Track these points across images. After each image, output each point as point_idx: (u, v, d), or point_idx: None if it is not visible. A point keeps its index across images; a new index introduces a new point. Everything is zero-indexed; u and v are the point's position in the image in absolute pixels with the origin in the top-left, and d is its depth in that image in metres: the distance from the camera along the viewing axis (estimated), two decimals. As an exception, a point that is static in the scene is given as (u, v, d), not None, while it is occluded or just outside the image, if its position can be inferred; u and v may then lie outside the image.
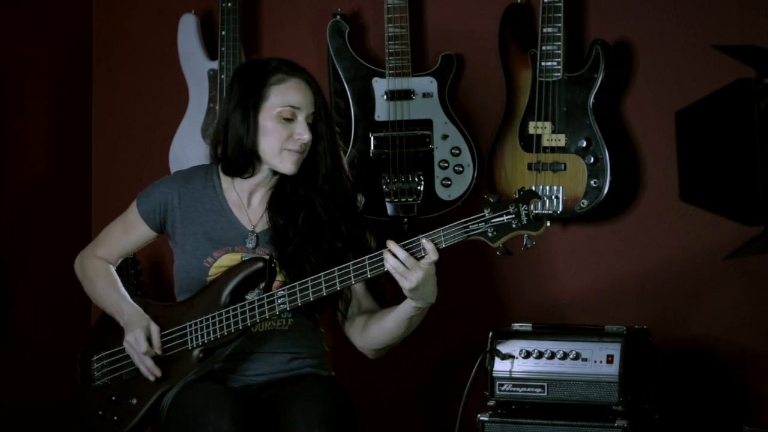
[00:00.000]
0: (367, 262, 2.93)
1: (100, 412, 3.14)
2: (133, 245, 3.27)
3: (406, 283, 2.89)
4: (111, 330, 3.18)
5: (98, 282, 3.23)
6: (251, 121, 3.09)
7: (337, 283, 2.95)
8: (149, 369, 3.05)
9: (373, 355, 3.17)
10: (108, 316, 3.22)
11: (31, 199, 4.00)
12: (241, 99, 3.11)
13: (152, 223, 3.20)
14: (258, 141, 3.09)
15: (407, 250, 2.89)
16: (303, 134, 3.08)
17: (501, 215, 2.85)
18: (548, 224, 2.87)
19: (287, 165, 3.09)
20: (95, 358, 3.19)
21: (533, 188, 2.95)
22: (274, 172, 3.13)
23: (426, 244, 2.87)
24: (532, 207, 2.84)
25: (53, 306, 4.06)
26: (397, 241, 2.93)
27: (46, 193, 4.05)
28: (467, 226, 2.87)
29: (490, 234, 2.86)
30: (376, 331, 3.10)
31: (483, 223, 2.86)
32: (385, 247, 2.92)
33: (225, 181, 3.19)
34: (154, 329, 3.07)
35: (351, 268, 2.94)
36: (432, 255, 2.87)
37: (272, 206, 3.15)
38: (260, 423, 2.96)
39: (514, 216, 2.84)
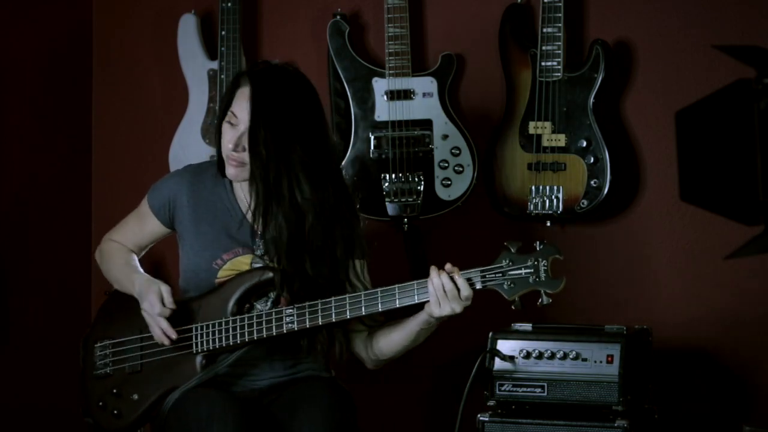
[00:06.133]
0: (379, 295, 2.90)
1: (101, 403, 3.13)
2: (146, 238, 3.22)
3: (438, 310, 2.87)
4: (116, 318, 3.17)
5: (113, 261, 3.21)
6: (219, 123, 3.05)
7: (348, 311, 2.92)
8: (164, 330, 2.98)
9: (372, 366, 3.14)
10: (113, 301, 3.20)
11: (31, 199, 4.00)
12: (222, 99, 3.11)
13: (162, 218, 3.16)
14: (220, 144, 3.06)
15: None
16: (228, 143, 2.98)
17: (519, 268, 2.82)
18: (564, 283, 2.81)
19: (228, 171, 3.02)
20: (98, 345, 3.16)
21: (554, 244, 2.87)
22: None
23: (459, 281, 2.84)
24: (551, 263, 2.79)
25: (53, 305, 4.06)
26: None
27: (46, 193, 4.05)
28: (484, 276, 2.84)
29: (506, 287, 2.83)
30: (381, 343, 3.06)
31: (500, 275, 2.83)
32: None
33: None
34: (165, 289, 3.00)
35: (363, 297, 2.91)
36: (464, 291, 2.85)
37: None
38: (264, 431, 2.95)
39: (532, 271, 2.81)
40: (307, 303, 2.93)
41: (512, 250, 2.82)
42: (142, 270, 3.17)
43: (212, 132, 3.85)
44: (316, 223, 2.96)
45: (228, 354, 3.02)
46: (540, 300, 2.82)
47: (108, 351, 3.15)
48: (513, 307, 2.83)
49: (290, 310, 2.94)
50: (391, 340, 3.05)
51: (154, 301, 3.00)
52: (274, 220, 2.98)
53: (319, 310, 2.92)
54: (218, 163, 3.08)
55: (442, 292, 2.84)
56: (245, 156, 2.97)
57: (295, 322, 2.94)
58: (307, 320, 2.93)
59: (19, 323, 3.93)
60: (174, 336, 3.00)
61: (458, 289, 2.84)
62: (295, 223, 2.96)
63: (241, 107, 2.97)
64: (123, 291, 3.17)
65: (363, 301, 2.90)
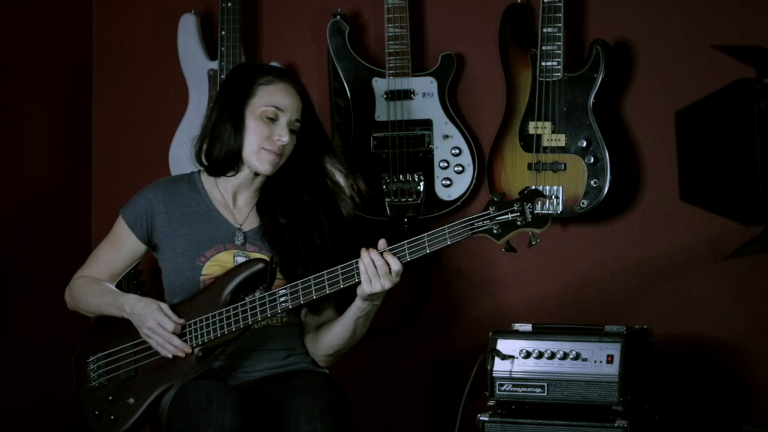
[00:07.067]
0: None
1: (97, 412, 3.14)
2: (122, 262, 3.25)
3: (369, 287, 2.96)
4: (106, 331, 3.18)
5: (89, 292, 3.23)
6: (237, 118, 3.14)
7: (341, 281, 2.98)
8: (178, 347, 3.05)
9: (323, 362, 3.21)
10: (103, 318, 3.22)
11: (32, 200, 4.00)
12: (229, 96, 3.18)
13: (139, 231, 3.20)
14: (242, 138, 3.13)
15: (392, 251, 2.96)
16: (282, 136, 3.12)
17: (506, 213, 2.91)
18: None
19: (264, 165, 3.14)
20: (91, 359, 3.18)
21: (537, 187, 3.01)
22: (256, 173, 3.17)
23: (389, 258, 2.94)
24: (536, 205, 2.90)
25: (53, 307, 4.05)
26: (394, 239, 2.96)
27: (47, 194, 4.05)
28: (472, 224, 2.93)
29: (495, 231, 2.92)
30: (326, 337, 3.16)
31: (488, 221, 2.92)
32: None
33: (208, 183, 3.23)
34: (164, 305, 3.08)
35: (355, 266, 2.97)
36: (395, 265, 2.94)
37: (263, 208, 3.18)
38: (261, 418, 2.98)
39: (518, 214, 2.91)
40: (299, 281, 3.00)
41: (497, 199, 2.93)
42: (121, 292, 3.20)
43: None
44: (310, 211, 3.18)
45: (224, 346, 3.05)
46: (529, 241, 2.92)
47: (101, 362, 3.17)
48: (503, 250, 2.94)
49: (283, 291, 3.01)
50: (334, 334, 3.14)
51: (164, 320, 3.05)
52: (279, 211, 3.16)
53: (312, 285, 2.99)
54: (227, 162, 3.16)
55: (373, 268, 2.95)
56: (288, 145, 3.14)
57: (289, 300, 3.00)
58: (301, 296, 2.99)
59: (19, 323, 3.93)
60: (189, 350, 3.05)
61: (389, 265, 2.94)
62: (294, 213, 3.17)
63: (286, 100, 3.14)
64: (106, 315, 3.20)
65: (356, 268, 2.97)
